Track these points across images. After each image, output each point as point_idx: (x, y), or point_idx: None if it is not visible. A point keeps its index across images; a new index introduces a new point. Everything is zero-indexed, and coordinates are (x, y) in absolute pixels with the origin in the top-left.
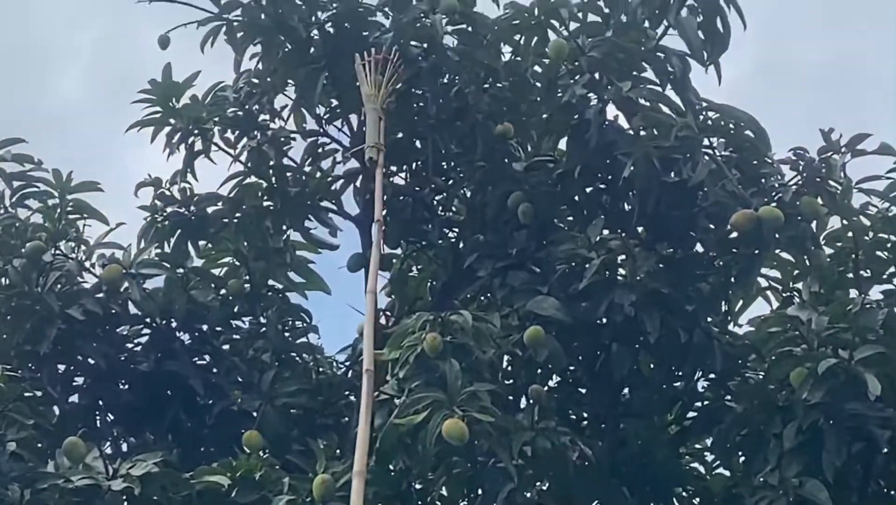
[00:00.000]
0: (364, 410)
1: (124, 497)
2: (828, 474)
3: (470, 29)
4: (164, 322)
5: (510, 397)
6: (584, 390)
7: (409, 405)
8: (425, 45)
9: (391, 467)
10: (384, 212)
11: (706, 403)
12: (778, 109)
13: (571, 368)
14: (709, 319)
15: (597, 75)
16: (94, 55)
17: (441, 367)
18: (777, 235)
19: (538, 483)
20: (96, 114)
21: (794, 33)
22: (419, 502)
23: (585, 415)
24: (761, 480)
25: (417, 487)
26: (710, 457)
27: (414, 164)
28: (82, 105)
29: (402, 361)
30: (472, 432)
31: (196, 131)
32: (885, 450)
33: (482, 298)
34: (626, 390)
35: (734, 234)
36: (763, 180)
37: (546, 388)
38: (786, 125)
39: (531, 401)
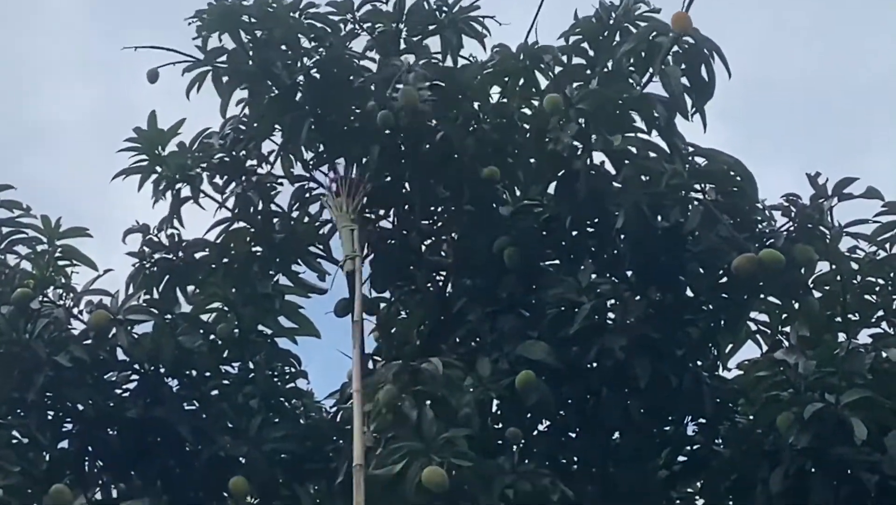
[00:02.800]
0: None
1: None
2: None
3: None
4: (152, 368)
5: (499, 442)
6: (574, 435)
7: (386, 456)
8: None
9: None
10: (371, 255)
11: (696, 447)
12: (764, 126)
13: (561, 412)
14: (698, 364)
15: (583, 122)
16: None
17: (412, 416)
18: (761, 284)
19: None
20: (84, 135)
21: (777, 49)
22: None
23: (576, 460)
24: None
25: None
26: (700, 502)
27: (401, 208)
28: (70, 124)
29: (374, 413)
30: (453, 478)
31: (182, 179)
32: (874, 494)
33: (471, 342)
34: (616, 435)
35: (724, 280)
36: (755, 226)
37: (535, 432)
38: (773, 142)
39: (510, 444)
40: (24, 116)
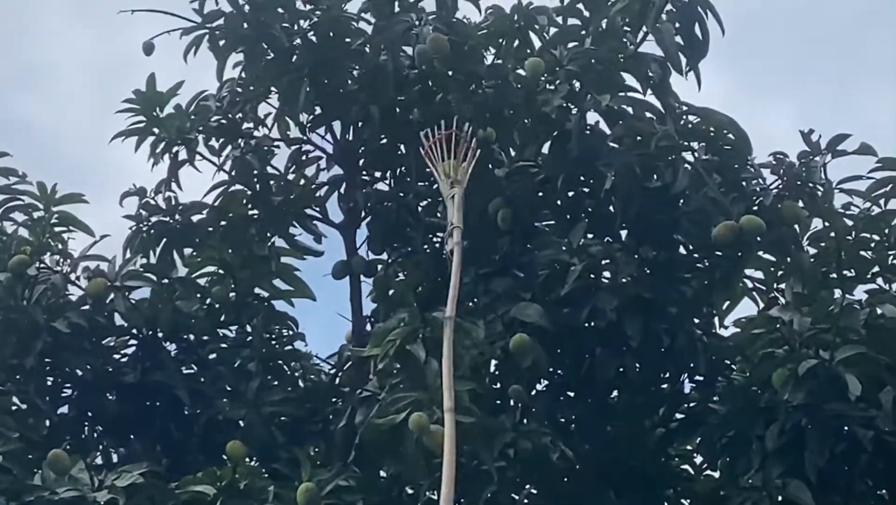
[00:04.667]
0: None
1: None
2: (810, 475)
3: (454, 39)
4: (149, 333)
5: (497, 401)
6: (571, 395)
7: (389, 404)
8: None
9: (382, 474)
10: (368, 218)
11: (692, 405)
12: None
13: (558, 372)
14: (694, 322)
15: (576, 85)
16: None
17: (420, 363)
18: (759, 239)
19: (526, 486)
20: (79, 78)
21: None
22: None
23: (573, 419)
24: (749, 481)
25: (409, 491)
26: (698, 458)
27: (398, 170)
28: (64, 65)
29: (381, 356)
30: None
31: (180, 141)
32: (870, 449)
33: (467, 303)
34: (612, 394)
35: None
36: (744, 184)
37: (533, 392)
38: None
39: (513, 402)
40: (17, 55)
